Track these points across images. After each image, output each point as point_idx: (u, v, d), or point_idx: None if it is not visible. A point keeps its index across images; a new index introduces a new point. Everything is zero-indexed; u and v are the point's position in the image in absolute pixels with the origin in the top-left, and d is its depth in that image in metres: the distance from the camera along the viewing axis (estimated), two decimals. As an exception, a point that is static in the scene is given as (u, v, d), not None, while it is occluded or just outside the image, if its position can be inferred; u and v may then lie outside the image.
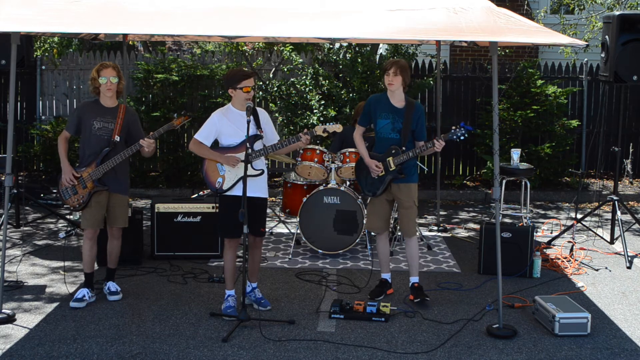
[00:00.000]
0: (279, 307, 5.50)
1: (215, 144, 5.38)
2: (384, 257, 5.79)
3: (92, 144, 5.45)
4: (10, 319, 5.13)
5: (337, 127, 5.37)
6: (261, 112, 5.38)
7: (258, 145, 5.29)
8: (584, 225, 7.86)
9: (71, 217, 7.79)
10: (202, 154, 5.33)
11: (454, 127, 5.45)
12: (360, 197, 6.80)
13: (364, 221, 6.76)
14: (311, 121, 9.69)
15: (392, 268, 6.52)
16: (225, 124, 5.27)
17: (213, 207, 6.64)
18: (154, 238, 6.67)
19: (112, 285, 5.65)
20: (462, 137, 5.43)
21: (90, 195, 5.45)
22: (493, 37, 4.97)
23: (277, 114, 10.25)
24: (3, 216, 5.74)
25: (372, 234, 7.40)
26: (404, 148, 5.49)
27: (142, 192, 9.93)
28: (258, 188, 5.27)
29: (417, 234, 7.48)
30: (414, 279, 5.68)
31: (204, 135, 5.29)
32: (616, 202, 7.34)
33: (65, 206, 5.57)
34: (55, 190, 5.66)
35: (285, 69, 10.37)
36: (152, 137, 5.45)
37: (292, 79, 10.18)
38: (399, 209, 5.68)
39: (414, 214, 5.63)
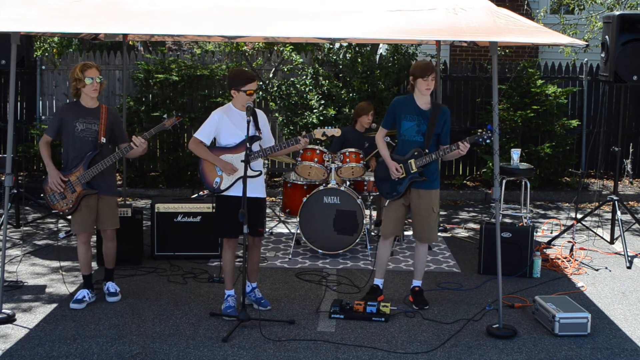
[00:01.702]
0: (279, 307, 5.50)
1: (213, 143, 5.38)
2: (382, 261, 5.67)
3: (77, 147, 5.35)
4: (10, 319, 5.13)
5: (336, 132, 5.36)
6: (260, 113, 5.37)
7: (256, 147, 5.28)
8: (584, 225, 7.86)
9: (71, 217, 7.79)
10: (200, 155, 5.31)
11: (480, 130, 5.35)
12: (360, 197, 6.80)
13: (365, 221, 6.76)
14: (311, 121, 9.70)
15: (392, 268, 6.53)
16: (225, 123, 5.27)
17: (213, 207, 6.64)
18: (154, 238, 6.67)
19: (111, 286, 5.64)
20: (487, 141, 5.30)
21: (79, 199, 5.37)
22: (493, 37, 4.96)
23: (277, 114, 10.25)
24: (3, 216, 5.74)
25: (372, 233, 7.42)
26: (427, 150, 5.38)
27: (142, 192, 9.94)
28: (256, 188, 5.27)
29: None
30: (417, 283, 5.65)
31: (205, 133, 5.28)
32: (616, 202, 7.34)
33: (53, 211, 5.49)
34: (42, 195, 5.58)
35: (285, 69, 10.37)
36: (145, 138, 5.37)
37: (292, 79, 10.18)
38: (416, 215, 5.52)
39: (432, 220, 5.50)
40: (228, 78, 5.36)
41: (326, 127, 5.42)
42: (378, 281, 5.70)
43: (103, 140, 5.36)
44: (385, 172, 5.53)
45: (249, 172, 5.16)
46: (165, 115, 5.55)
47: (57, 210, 5.46)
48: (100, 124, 5.37)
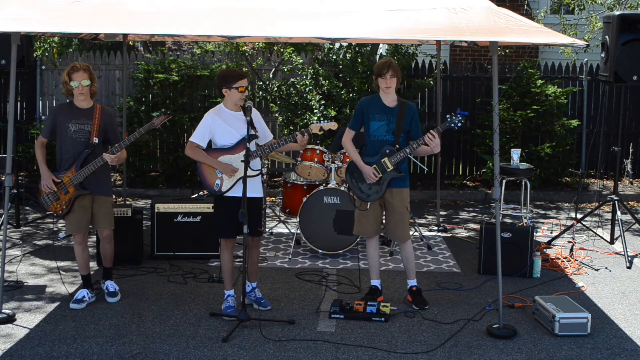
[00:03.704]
0: (279, 307, 5.50)
1: (209, 145, 5.36)
2: (374, 262, 5.66)
3: (69, 148, 5.33)
4: (10, 319, 5.13)
5: (333, 125, 5.37)
6: (253, 110, 5.34)
7: (252, 145, 5.27)
8: (584, 225, 7.86)
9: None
10: (198, 159, 5.28)
11: (448, 115, 5.36)
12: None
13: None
14: (311, 121, 9.69)
15: (392, 268, 6.54)
16: (219, 125, 5.25)
17: (213, 207, 6.63)
18: (154, 238, 6.67)
19: (110, 285, 5.62)
20: (459, 124, 5.31)
21: (73, 200, 5.35)
22: (493, 37, 4.96)
23: (277, 114, 10.25)
24: (3, 216, 5.74)
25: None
26: (397, 146, 5.37)
27: (142, 192, 9.93)
28: (254, 188, 5.26)
29: (417, 234, 7.51)
30: (412, 282, 5.64)
31: (199, 136, 5.26)
32: (616, 202, 7.34)
33: (48, 212, 5.49)
34: (37, 197, 5.57)
35: (285, 69, 10.37)
36: (116, 150, 5.29)
37: (292, 79, 10.18)
38: (391, 214, 5.50)
39: (406, 219, 5.53)
40: (218, 78, 5.31)
41: (322, 121, 5.43)
42: (375, 282, 5.69)
43: (95, 140, 5.34)
44: (358, 174, 5.48)
45: (250, 172, 5.16)
46: (155, 114, 5.51)
47: (51, 211, 5.45)
48: (93, 124, 5.35)
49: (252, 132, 5.15)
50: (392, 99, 5.44)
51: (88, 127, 5.34)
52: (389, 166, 5.37)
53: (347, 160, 6.85)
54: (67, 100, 5.46)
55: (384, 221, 5.66)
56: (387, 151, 5.37)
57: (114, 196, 8.83)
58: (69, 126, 5.33)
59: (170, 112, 5.56)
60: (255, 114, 5.33)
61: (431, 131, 5.25)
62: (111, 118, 5.52)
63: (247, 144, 5.07)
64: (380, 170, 5.39)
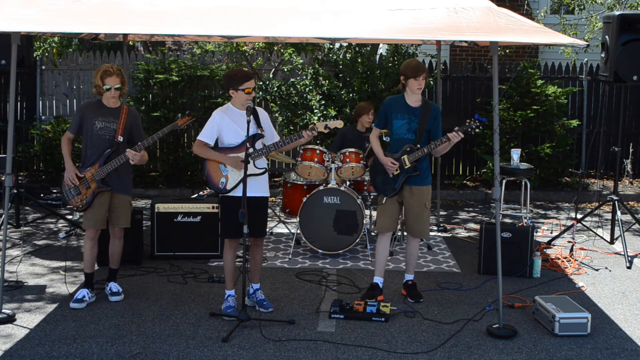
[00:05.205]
0: (279, 307, 5.50)
1: (215, 144, 5.37)
2: (382, 258, 5.69)
3: (94, 144, 5.43)
4: (10, 319, 5.13)
5: (339, 123, 5.39)
6: (261, 111, 5.37)
7: (259, 145, 5.29)
8: (584, 225, 7.86)
9: (71, 217, 7.79)
10: (206, 156, 5.30)
11: (468, 120, 5.44)
12: (360, 197, 6.80)
13: (365, 221, 6.76)
14: (311, 121, 9.69)
15: (392, 268, 6.54)
16: (226, 123, 5.26)
17: (213, 207, 6.64)
18: (154, 238, 6.67)
19: (114, 286, 5.64)
20: (477, 130, 5.44)
21: (93, 195, 5.44)
22: (493, 37, 4.97)
23: (277, 114, 10.25)
24: (3, 216, 5.74)
25: (372, 233, 7.42)
26: (418, 145, 5.48)
27: (142, 192, 9.93)
28: (260, 187, 5.28)
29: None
30: (409, 277, 5.73)
31: (208, 135, 5.28)
32: (616, 202, 7.34)
33: (67, 206, 5.57)
34: (55, 190, 5.64)
35: (285, 69, 10.37)
36: (139, 148, 5.38)
37: (292, 79, 10.18)
38: (408, 211, 5.61)
39: (424, 216, 5.60)
40: (225, 78, 5.38)
41: (328, 120, 5.47)
42: (377, 279, 5.71)
43: (120, 139, 5.44)
44: (381, 169, 5.59)
45: (255, 170, 5.18)
46: (179, 115, 5.59)
47: (71, 205, 5.54)
48: (119, 123, 5.44)
49: (259, 131, 5.19)
50: (416, 99, 5.53)
51: (114, 125, 5.44)
52: (407, 163, 5.48)
53: (347, 160, 6.86)
54: (96, 98, 5.54)
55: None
56: (408, 149, 5.49)
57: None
58: (95, 123, 5.42)
59: (194, 114, 5.63)
60: (263, 114, 5.37)
61: (456, 132, 5.34)
62: (137, 118, 5.62)
63: (247, 143, 5.07)
64: (398, 166, 5.48)
